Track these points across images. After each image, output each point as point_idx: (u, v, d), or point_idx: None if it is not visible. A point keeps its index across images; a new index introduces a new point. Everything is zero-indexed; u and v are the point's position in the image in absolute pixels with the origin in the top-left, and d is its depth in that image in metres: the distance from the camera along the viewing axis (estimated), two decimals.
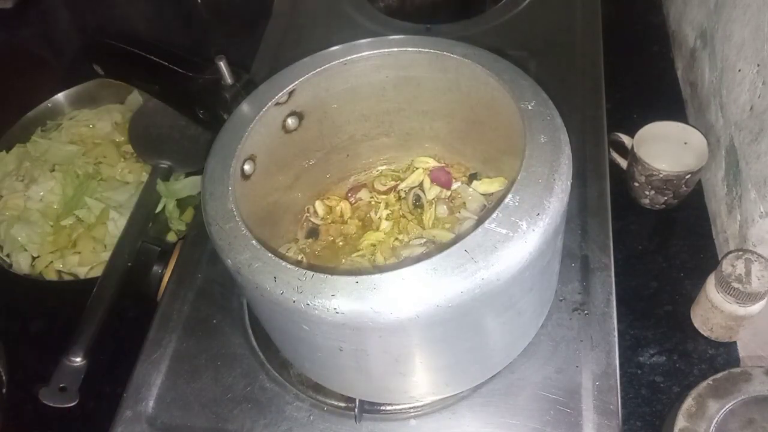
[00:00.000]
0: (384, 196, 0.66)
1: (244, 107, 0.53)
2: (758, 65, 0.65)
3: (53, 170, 0.86)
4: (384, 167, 0.67)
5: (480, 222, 0.41)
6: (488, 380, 0.55)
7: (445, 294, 0.39)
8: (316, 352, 0.47)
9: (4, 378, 0.67)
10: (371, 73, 0.57)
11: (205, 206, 0.47)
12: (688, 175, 0.72)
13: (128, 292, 0.71)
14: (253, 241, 0.43)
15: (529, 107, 0.47)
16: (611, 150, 0.78)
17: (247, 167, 0.52)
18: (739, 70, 0.70)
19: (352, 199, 0.66)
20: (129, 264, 0.73)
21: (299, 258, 0.61)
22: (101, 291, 0.70)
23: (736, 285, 0.59)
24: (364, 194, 0.66)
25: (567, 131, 0.47)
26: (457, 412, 0.55)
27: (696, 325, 0.67)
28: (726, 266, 0.60)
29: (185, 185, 0.82)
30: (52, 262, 0.79)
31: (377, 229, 0.63)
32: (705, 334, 0.66)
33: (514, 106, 0.48)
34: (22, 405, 0.66)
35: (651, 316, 0.68)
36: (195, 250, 0.68)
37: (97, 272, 0.76)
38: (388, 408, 0.55)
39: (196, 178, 0.82)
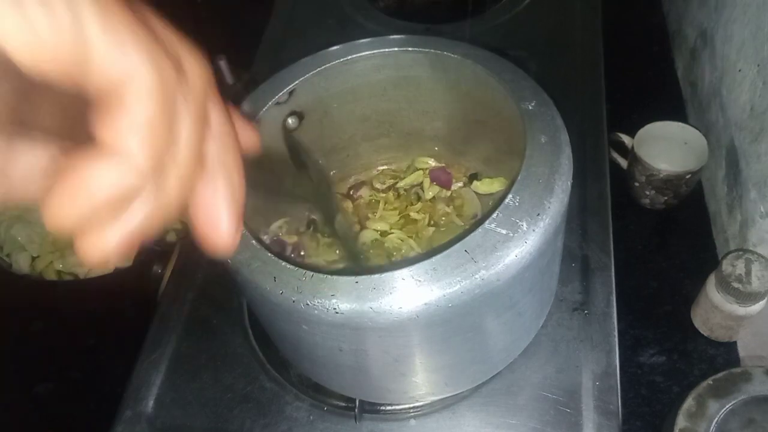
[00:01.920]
0: (384, 194, 0.66)
1: (245, 107, 0.53)
2: (758, 65, 0.65)
3: None
4: (384, 167, 0.67)
5: (480, 222, 0.41)
6: (488, 380, 0.55)
7: (445, 294, 0.39)
8: (316, 352, 0.47)
9: None
10: (371, 73, 0.57)
11: None
12: (689, 175, 0.72)
13: (128, 292, 0.71)
14: (253, 241, 0.43)
15: (530, 107, 0.47)
16: (611, 150, 0.78)
17: None
18: (740, 70, 0.70)
19: (354, 196, 0.66)
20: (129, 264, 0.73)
21: (293, 239, 0.61)
22: None
23: (736, 285, 0.59)
24: (364, 192, 0.66)
25: (567, 131, 0.47)
26: (457, 412, 0.55)
27: (696, 325, 0.67)
28: (726, 266, 0.60)
29: None
30: (52, 262, 0.79)
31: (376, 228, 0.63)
32: (705, 334, 0.66)
33: (514, 106, 0.48)
34: (22, 405, 0.66)
35: (651, 316, 0.68)
36: (195, 250, 0.68)
37: (97, 272, 0.76)
38: (388, 408, 0.55)
39: None
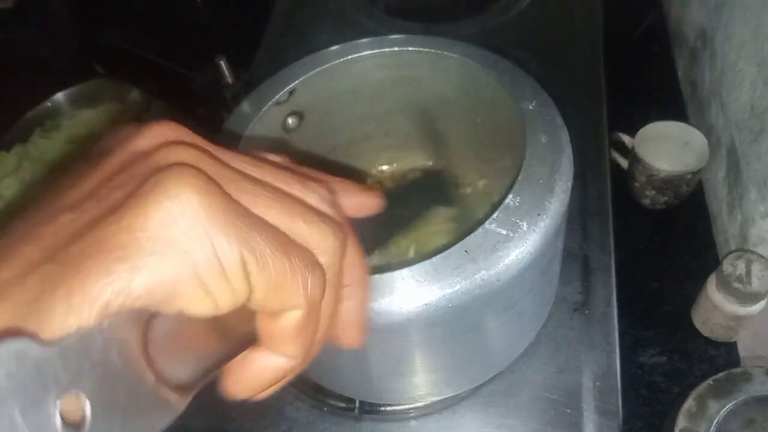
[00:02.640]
0: None
1: (244, 106, 0.53)
2: (758, 65, 0.65)
3: (53, 170, 0.86)
4: (384, 167, 0.67)
5: (480, 222, 0.41)
6: (488, 380, 0.55)
7: (445, 294, 0.39)
8: None
9: None
10: (371, 72, 0.57)
11: None
12: (689, 175, 0.72)
13: None
14: None
15: (530, 107, 0.47)
16: (612, 150, 0.78)
17: None
18: (740, 70, 0.70)
19: None
20: None
21: None
22: None
23: (736, 285, 0.59)
24: None
25: (567, 131, 0.47)
26: (457, 412, 0.55)
27: (696, 325, 0.67)
28: (726, 266, 0.60)
29: None
30: None
31: None
32: (705, 334, 0.66)
33: (514, 106, 0.48)
34: None
35: (651, 316, 0.68)
36: None
37: None
38: (388, 408, 0.55)
39: None
